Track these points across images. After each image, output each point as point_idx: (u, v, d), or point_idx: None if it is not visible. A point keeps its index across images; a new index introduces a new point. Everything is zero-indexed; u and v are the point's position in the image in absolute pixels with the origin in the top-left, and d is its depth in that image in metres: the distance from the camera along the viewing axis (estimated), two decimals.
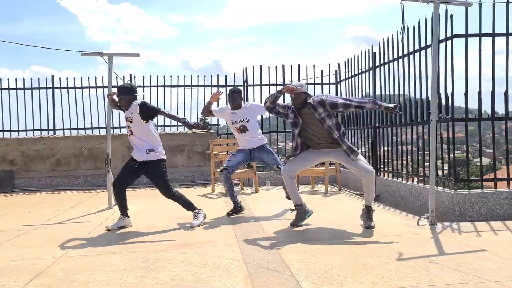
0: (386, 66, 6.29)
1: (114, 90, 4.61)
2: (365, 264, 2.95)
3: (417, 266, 2.88)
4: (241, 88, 8.58)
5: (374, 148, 6.83)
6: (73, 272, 2.97)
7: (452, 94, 4.78)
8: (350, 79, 7.90)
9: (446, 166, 5.06)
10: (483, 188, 4.82)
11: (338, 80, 8.64)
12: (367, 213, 4.17)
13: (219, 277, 2.78)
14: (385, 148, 6.51)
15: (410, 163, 5.73)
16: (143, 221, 4.68)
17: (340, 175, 7.08)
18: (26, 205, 6.27)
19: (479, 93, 4.77)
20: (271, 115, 4.19)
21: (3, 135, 8.56)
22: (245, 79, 8.60)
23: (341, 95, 8.62)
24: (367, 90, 7.11)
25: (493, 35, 4.76)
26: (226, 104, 5.89)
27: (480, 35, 4.73)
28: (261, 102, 8.31)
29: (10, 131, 8.61)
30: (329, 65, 8.56)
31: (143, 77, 8.80)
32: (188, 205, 4.46)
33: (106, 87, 6.03)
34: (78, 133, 8.66)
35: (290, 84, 4.13)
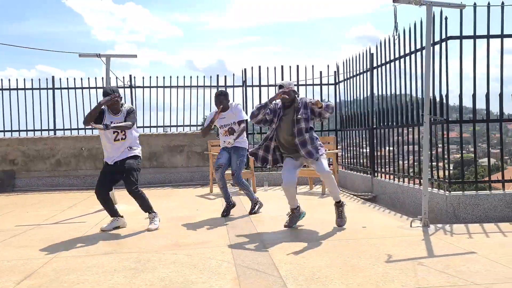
0: (383, 67, 6.29)
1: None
2: (353, 266, 2.97)
3: (405, 268, 2.90)
4: (241, 88, 8.64)
5: (371, 149, 6.84)
6: (64, 272, 3.01)
7: (447, 95, 4.78)
8: (348, 80, 7.91)
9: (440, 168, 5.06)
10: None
11: (337, 81, 8.65)
12: (336, 210, 4.24)
13: (208, 278, 2.81)
14: (382, 149, 6.51)
15: (407, 165, 5.73)
16: (139, 222, 4.71)
17: (338, 176, 7.08)
18: (26, 205, 6.33)
19: (474, 95, 4.77)
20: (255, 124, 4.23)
21: (4, 135, 8.64)
22: (244, 79, 8.63)
23: (339, 96, 8.64)
24: (365, 91, 7.12)
25: (488, 37, 4.75)
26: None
27: (474, 37, 4.73)
28: (260, 103, 8.34)
29: (11, 131, 8.68)
30: (328, 66, 8.57)
31: (143, 77, 8.86)
32: (147, 208, 4.45)
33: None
34: (78, 133, 8.72)
35: (281, 89, 4.14)
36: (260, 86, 8.49)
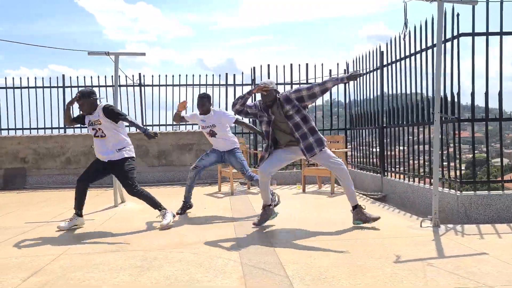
0: (394, 65, 6.21)
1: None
2: (361, 266, 2.92)
3: (414, 268, 2.84)
4: (250, 87, 8.61)
5: (381, 148, 6.76)
6: (71, 269, 3.01)
7: (458, 93, 4.70)
8: (358, 78, 7.82)
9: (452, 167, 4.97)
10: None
11: None
12: (360, 212, 4.14)
13: (213, 277, 2.79)
14: (392, 148, 6.43)
15: (417, 164, 5.65)
16: (145, 220, 4.71)
17: None
18: (35, 202, 6.38)
19: (486, 93, 4.67)
20: (238, 116, 4.19)
21: (15, 133, 8.72)
22: (253, 78, 8.60)
23: (349, 94, 8.56)
24: (375, 90, 7.04)
25: (501, 34, 4.65)
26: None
27: (487, 34, 4.63)
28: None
29: (22, 129, 8.76)
30: (337, 64, 8.49)
31: (152, 76, 8.88)
32: (154, 205, 4.44)
33: (114, 86, 6.09)
34: (88, 132, 8.76)
35: (259, 84, 4.12)
36: None
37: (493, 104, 4.83)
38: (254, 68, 8.51)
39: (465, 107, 5.79)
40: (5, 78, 8.43)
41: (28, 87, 8.75)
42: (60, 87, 8.80)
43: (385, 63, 6.57)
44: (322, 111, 8.84)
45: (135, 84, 8.68)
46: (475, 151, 4.81)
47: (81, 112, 4.54)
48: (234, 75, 8.82)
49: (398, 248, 3.37)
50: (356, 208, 4.15)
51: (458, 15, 4.63)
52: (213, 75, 8.93)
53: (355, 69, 7.94)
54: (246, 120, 5.55)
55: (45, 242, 3.87)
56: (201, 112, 5.20)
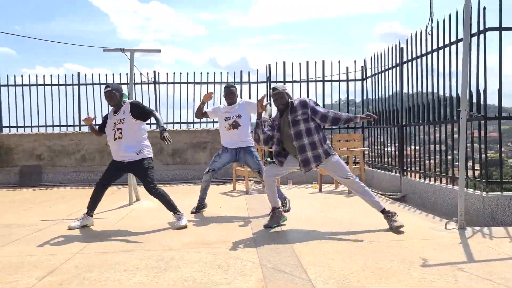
0: (414, 62, 6.04)
1: (90, 116, 4.73)
2: (386, 270, 2.79)
3: (443, 273, 2.70)
4: (265, 84, 8.50)
5: (401, 148, 6.59)
6: (86, 269, 2.94)
7: (485, 91, 4.51)
8: (376, 76, 7.66)
9: (477, 167, 4.79)
10: None
11: (364, 76, 8.40)
12: (386, 217, 3.98)
13: (232, 279, 2.69)
14: (412, 147, 6.26)
15: (439, 163, 5.47)
16: (161, 219, 4.63)
17: (365, 175, 6.86)
18: (51, 199, 6.37)
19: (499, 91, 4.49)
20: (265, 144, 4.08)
21: (31, 131, 8.75)
22: (268, 75, 8.48)
23: (367, 92, 8.39)
24: (394, 87, 6.86)
25: None
26: (220, 103, 5.85)
27: None
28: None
29: (38, 126, 8.79)
30: (355, 61, 8.33)
31: (167, 73, 8.83)
32: (171, 207, 4.35)
33: (129, 83, 6.04)
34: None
35: (274, 91, 3.98)
36: (284, 82, 8.32)
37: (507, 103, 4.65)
38: (269, 65, 8.39)
39: (489, 107, 5.59)
40: (22, 75, 8.45)
41: (44, 85, 8.77)
42: (75, 84, 8.81)
43: (405, 59, 6.39)
44: (338, 109, 8.69)
45: (149, 82, 8.64)
46: (490, 151, 4.62)
47: (109, 107, 4.46)
48: (249, 72, 8.73)
49: (424, 251, 3.22)
50: (383, 213, 4.00)
51: (484, 8, 4.45)
52: (227, 72, 8.85)
53: (373, 67, 7.77)
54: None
55: (61, 240, 3.82)
56: (229, 102, 5.07)
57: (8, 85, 8.73)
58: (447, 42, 5.10)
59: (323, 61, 8.27)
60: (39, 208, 5.65)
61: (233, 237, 3.79)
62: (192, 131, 8.54)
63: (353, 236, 3.75)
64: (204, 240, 3.71)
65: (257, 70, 8.70)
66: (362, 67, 8.42)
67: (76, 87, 8.81)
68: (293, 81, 8.33)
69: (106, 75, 8.77)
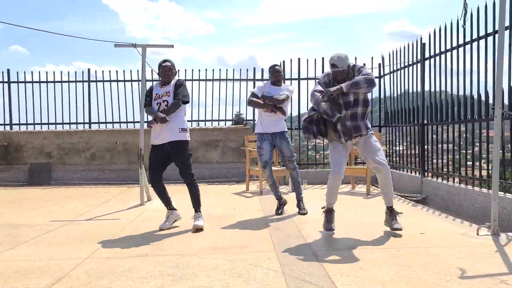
0: (437, 58, 5.77)
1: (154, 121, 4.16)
2: (422, 281, 2.56)
3: (486, 287, 2.46)
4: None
5: (421, 147, 6.33)
6: (97, 276, 2.76)
7: None
8: (394, 73, 7.39)
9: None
10: None
11: (382, 74, 8.13)
12: (390, 215, 3.77)
13: None
14: (434, 147, 6.00)
15: (457, 164, 5.21)
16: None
17: None
18: (60, 198, 6.22)
19: None
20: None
21: (41, 128, 8.63)
22: (269, 71, 8.23)
23: (384, 90, 8.13)
24: (414, 85, 6.59)
25: None
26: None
27: None
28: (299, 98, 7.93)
29: (48, 124, 8.66)
30: (372, 58, 8.07)
31: (178, 70, 8.63)
32: (198, 204, 4.18)
33: (140, 80, 5.85)
34: (113, 127, 8.61)
35: (334, 68, 3.61)
36: (299, 79, 8.09)
37: None
38: (283, 62, 8.15)
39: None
40: (32, 72, 8.29)
41: (54, 82, 8.64)
42: (85, 81, 8.66)
43: (426, 55, 6.12)
44: None
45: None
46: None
47: (160, 80, 4.26)
48: (262, 69, 8.52)
49: (458, 260, 2.98)
50: (390, 210, 3.79)
51: None
52: (240, 69, 8.63)
53: (391, 64, 7.51)
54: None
55: (70, 243, 3.65)
56: (274, 80, 4.82)
57: (18, 82, 8.61)
58: (475, 36, 4.83)
59: None
60: (49, 207, 5.49)
61: (251, 242, 3.58)
62: (203, 129, 8.35)
63: (378, 242, 3.52)
64: (220, 245, 3.51)
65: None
66: (379, 64, 8.16)
67: (86, 84, 8.66)
68: (307, 78, 8.09)
69: (116, 71, 8.62)
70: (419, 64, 6.40)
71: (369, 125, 3.77)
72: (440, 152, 5.78)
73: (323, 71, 8.00)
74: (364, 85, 3.53)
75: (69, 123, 8.65)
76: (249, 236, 3.81)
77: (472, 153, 5.04)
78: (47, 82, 8.64)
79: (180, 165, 4.10)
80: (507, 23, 4.28)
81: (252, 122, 8.58)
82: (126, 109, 8.57)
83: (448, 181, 5.53)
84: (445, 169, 5.64)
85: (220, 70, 8.57)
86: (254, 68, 8.51)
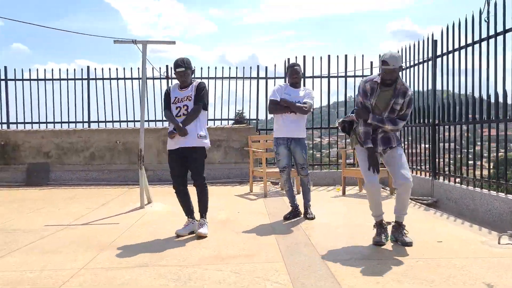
0: (451, 55, 5.52)
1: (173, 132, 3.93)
2: None
3: None
4: (283, 80, 8.03)
5: (432, 148, 6.09)
6: None
7: None
8: (404, 71, 7.14)
9: None
10: None
11: None
12: (398, 228, 3.53)
13: None
14: (446, 148, 5.76)
15: (472, 166, 4.97)
16: (175, 224, 4.17)
17: (390, 178, 6.37)
18: (58, 200, 6.00)
19: None
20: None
21: (39, 127, 8.40)
22: (286, 70, 8.01)
23: None
24: (426, 83, 6.35)
25: None
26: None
27: None
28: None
29: (46, 122, 8.42)
30: (379, 55, 7.81)
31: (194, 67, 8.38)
32: (205, 209, 3.97)
33: (141, 78, 5.63)
34: (113, 126, 8.38)
35: (384, 65, 3.34)
36: (304, 77, 7.85)
37: None
38: (288, 59, 7.91)
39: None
40: (29, 69, 8.10)
41: (52, 79, 8.40)
42: (85, 79, 8.42)
43: (439, 53, 5.88)
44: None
45: (162, 77, 8.23)
46: None
47: (179, 83, 3.99)
48: (266, 67, 8.25)
49: (483, 272, 2.76)
50: (399, 224, 3.54)
51: None
52: (243, 67, 8.39)
53: (402, 62, 7.26)
54: None
55: (65, 250, 3.43)
56: (293, 82, 4.58)
57: (15, 80, 8.37)
58: (492, 33, 4.59)
59: (346, 55, 7.79)
60: (46, 209, 5.27)
61: (257, 250, 3.36)
62: None
63: (395, 252, 3.29)
64: (224, 254, 3.28)
65: (275, 65, 8.23)
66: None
67: (85, 82, 8.42)
68: (313, 77, 7.86)
69: (116, 69, 8.37)
70: (430, 62, 6.15)
71: (399, 137, 3.57)
72: (453, 153, 5.54)
73: (328, 70, 7.78)
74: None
75: (68, 122, 8.40)
76: (255, 243, 3.59)
77: (488, 155, 4.80)
78: (45, 80, 8.41)
79: (194, 170, 3.90)
80: None
81: (255, 121, 8.34)
82: (127, 107, 8.33)
83: (461, 184, 5.29)
84: (458, 172, 5.40)
85: (223, 68, 8.34)
86: (258, 66, 8.27)
